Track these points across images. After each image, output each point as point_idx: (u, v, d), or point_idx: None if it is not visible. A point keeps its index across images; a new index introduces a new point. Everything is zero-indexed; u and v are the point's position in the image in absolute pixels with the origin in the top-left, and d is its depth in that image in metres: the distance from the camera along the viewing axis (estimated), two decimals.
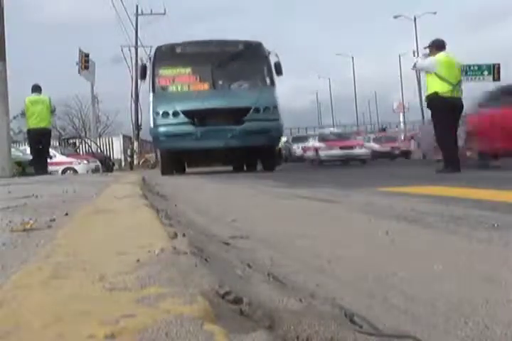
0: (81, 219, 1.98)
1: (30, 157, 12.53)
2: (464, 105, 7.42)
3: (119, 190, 3.85)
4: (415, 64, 7.81)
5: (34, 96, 11.61)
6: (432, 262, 1.36)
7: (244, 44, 11.91)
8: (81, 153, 23.94)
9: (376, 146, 24.88)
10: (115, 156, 29.01)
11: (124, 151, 29.44)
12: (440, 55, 7.24)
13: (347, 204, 3.16)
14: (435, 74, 7.10)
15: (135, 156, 26.92)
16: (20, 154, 14.89)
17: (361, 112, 60.48)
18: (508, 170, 7.39)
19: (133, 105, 26.94)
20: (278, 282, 1.15)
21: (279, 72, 11.52)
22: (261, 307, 0.83)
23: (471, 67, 27.59)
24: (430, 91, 7.27)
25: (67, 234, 1.55)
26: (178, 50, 11.63)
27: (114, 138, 31.51)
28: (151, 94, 11.48)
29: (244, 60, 11.61)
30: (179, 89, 11.53)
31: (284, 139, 22.34)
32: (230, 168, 14.79)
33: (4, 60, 10.72)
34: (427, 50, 7.65)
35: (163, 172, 11.35)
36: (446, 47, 7.46)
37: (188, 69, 11.58)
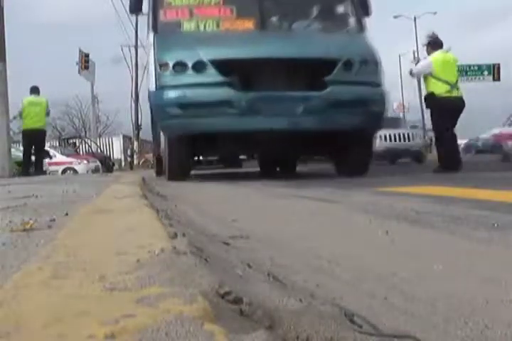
0: (81, 219, 1.98)
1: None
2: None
3: (119, 190, 3.85)
4: (411, 71, 7.79)
5: (32, 98, 11.65)
6: (432, 262, 1.36)
7: None
8: (81, 153, 23.96)
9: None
10: (115, 156, 29.05)
11: (124, 151, 29.48)
12: (436, 55, 7.22)
13: (347, 204, 3.16)
14: (431, 75, 7.10)
15: (135, 156, 26.93)
16: (20, 154, 14.91)
17: None
18: (508, 170, 7.38)
19: (133, 105, 26.91)
20: (278, 282, 1.15)
21: (366, 11, 6.94)
22: (261, 307, 0.83)
23: (471, 67, 27.59)
24: (427, 91, 7.28)
25: (68, 234, 1.55)
26: None
27: (114, 138, 31.55)
28: (151, 35, 6.62)
29: None
30: (202, 26, 6.59)
31: None
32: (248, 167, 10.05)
33: (4, 60, 10.73)
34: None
35: (172, 176, 6.57)
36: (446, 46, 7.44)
37: None
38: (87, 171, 18.66)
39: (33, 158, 12.12)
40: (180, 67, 5.96)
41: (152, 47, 6.40)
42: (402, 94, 44.87)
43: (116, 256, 1.11)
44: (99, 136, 32.63)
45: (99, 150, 26.14)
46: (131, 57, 27.73)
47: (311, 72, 6.03)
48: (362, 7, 6.88)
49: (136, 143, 27.40)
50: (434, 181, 5.22)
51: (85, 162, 19.64)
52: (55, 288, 0.86)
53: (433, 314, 0.97)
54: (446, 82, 7.03)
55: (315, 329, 0.78)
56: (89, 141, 26.51)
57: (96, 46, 70.79)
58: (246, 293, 0.91)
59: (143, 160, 26.68)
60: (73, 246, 1.29)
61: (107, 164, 22.15)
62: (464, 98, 7.35)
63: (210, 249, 1.42)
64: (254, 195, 4.40)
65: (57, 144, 26.14)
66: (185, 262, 1.03)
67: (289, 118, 5.83)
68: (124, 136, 31.17)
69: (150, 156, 26.43)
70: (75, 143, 26.96)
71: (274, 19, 7.04)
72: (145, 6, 7.16)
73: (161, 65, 6.07)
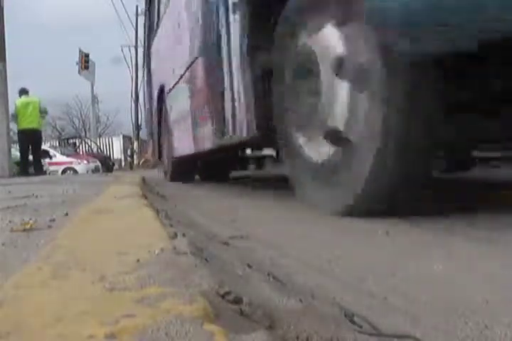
0: (81, 219, 1.98)
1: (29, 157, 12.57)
2: None
3: (119, 190, 3.85)
4: None
5: (23, 99, 11.67)
6: (432, 262, 1.36)
7: None
8: (81, 153, 23.98)
9: None
10: (115, 156, 29.07)
11: (124, 151, 29.49)
12: None
13: None
14: None
15: (135, 156, 26.93)
16: None
17: None
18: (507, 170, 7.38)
19: (133, 105, 26.90)
20: (278, 282, 1.15)
21: None
22: (261, 307, 0.83)
23: None
24: None
25: (68, 234, 1.55)
26: None
27: (114, 138, 31.56)
28: None
29: None
30: None
31: None
32: None
33: (4, 60, 10.74)
34: None
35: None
36: None
37: None
38: (87, 171, 18.67)
39: (30, 158, 12.12)
40: None
41: None
42: None
43: (116, 256, 1.11)
44: (99, 136, 32.65)
45: (99, 151, 26.17)
46: (131, 57, 27.78)
47: None
48: None
49: (136, 143, 27.40)
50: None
51: (85, 162, 19.65)
52: (55, 288, 0.86)
53: (433, 314, 0.97)
54: None
55: (315, 329, 0.78)
56: (89, 141, 26.53)
57: (96, 46, 70.88)
58: (246, 293, 0.91)
59: (143, 160, 26.67)
60: (73, 246, 1.29)
61: (106, 164, 22.17)
62: None
63: (210, 249, 1.42)
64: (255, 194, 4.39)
65: (57, 144, 26.16)
66: (185, 262, 1.03)
67: None
68: (124, 136, 31.16)
69: (150, 156, 26.44)
70: (75, 143, 26.97)
71: None
72: None
73: None
